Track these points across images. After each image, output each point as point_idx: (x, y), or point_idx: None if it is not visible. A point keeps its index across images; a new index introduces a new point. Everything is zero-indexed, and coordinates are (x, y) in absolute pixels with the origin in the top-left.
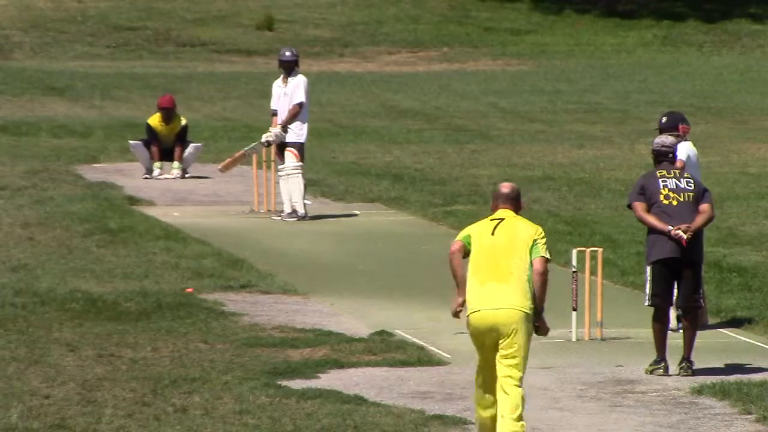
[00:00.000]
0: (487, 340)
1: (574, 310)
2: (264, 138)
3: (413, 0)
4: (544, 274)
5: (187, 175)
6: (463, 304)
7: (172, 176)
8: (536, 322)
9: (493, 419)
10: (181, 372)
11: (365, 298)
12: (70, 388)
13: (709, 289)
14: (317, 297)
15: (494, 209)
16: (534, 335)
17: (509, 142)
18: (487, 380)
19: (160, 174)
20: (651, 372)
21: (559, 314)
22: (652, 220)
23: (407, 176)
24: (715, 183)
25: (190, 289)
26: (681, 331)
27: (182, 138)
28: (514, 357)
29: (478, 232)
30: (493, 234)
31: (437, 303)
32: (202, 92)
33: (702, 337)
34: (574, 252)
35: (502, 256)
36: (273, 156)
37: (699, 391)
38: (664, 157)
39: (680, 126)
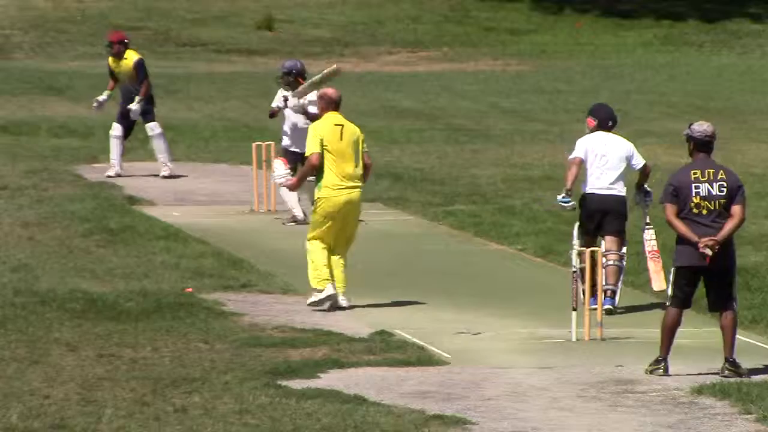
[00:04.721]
0: (338, 215)
1: (574, 310)
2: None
3: (413, 0)
4: (371, 165)
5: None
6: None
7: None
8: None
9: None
10: (181, 372)
11: (365, 298)
12: (70, 388)
13: None
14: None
15: (325, 110)
16: None
17: (509, 142)
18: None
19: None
20: (651, 372)
21: (559, 314)
22: (681, 228)
23: (407, 176)
24: None
25: (189, 289)
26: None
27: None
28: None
29: (328, 138)
30: (341, 139)
31: (437, 303)
32: (202, 92)
33: (702, 336)
34: (574, 252)
35: (348, 153)
36: (273, 156)
37: (699, 391)
38: (705, 147)
39: (588, 118)
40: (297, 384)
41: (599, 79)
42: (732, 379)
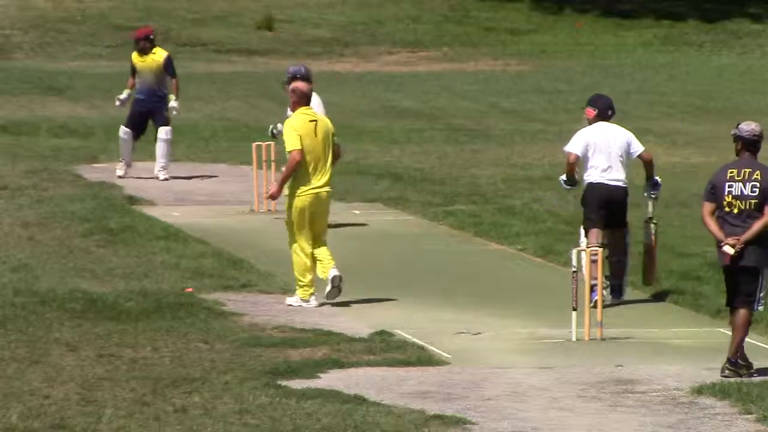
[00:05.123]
0: (307, 211)
1: (574, 310)
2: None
3: (413, 0)
4: (340, 155)
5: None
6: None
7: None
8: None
9: (310, 260)
10: (181, 372)
11: (365, 298)
12: (70, 388)
13: (709, 289)
14: (317, 297)
15: (298, 105)
16: None
17: (509, 142)
18: (306, 238)
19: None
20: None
21: (559, 314)
22: (711, 227)
23: (407, 176)
24: None
25: (189, 289)
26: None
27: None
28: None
29: (304, 133)
30: (315, 136)
31: (437, 303)
32: (202, 92)
33: (702, 336)
34: (574, 252)
35: (321, 150)
36: (273, 157)
37: (699, 391)
38: (753, 147)
39: (587, 108)
40: (297, 384)
41: (599, 79)
42: (732, 379)
